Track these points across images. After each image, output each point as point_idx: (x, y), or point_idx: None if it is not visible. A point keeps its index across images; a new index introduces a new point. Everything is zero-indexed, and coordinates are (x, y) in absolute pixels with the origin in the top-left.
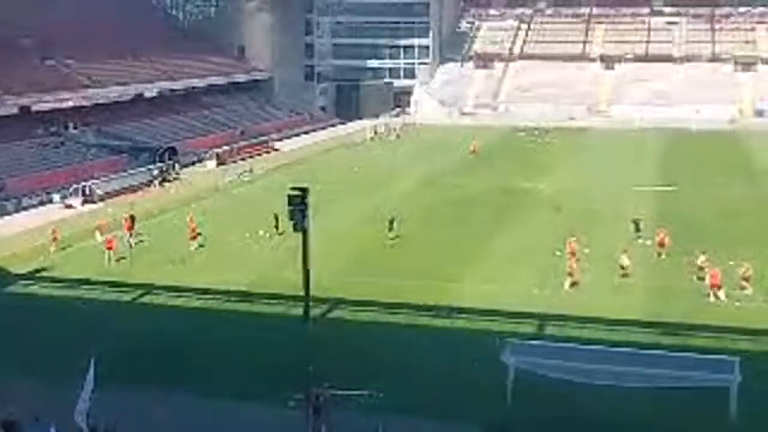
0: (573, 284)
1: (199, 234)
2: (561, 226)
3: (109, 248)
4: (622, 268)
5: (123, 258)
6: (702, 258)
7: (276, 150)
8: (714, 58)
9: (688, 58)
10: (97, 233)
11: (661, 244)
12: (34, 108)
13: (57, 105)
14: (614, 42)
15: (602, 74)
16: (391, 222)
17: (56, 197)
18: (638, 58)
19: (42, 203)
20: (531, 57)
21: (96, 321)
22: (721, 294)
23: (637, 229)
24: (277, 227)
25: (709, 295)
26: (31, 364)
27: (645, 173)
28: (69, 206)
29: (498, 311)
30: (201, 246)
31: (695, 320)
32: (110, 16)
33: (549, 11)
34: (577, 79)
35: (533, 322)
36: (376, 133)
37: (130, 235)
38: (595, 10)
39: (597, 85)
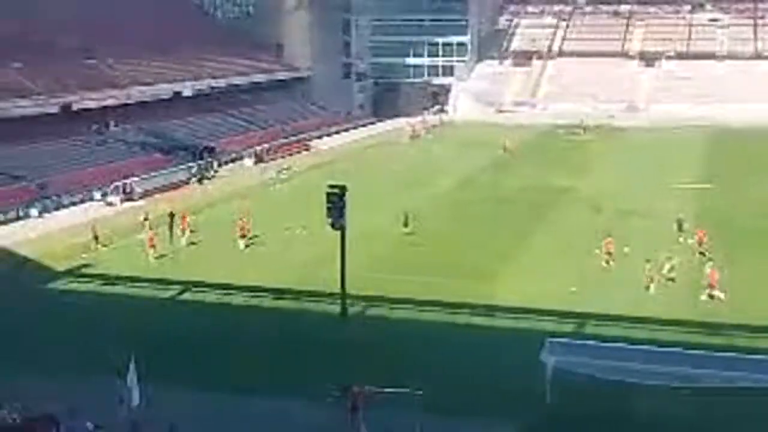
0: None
1: (249, 236)
2: (600, 226)
3: (151, 246)
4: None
5: (164, 255)
6: (708, 268)
7: (314, 148)
8: (757, 55)
9: (730, 55)
10: (144, 227)
11: (700, 243)
12: (76, 106)
13: (98, 103)
14: (655, 39)
15: (642, 72)
16: (406, 218)
17: (96, 195)
18: (679, 56)
19: (83, 201)
20: (570, 54)
21: (135, 318)
22: (716, 293)
23: (680, 229)
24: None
25: (705, 294)
26: (69, 359)
27: (685, 172)
28: (109, 204)
29: (535, 310)
30: (248, 246)
31: (737, 320)
32: (150, 15)
33: (588, 8)
34: (617, 76)
35: (572, 321)
36: (413, 131)
37: (171, 233)
38: (635, 7)
39: (637, 82)
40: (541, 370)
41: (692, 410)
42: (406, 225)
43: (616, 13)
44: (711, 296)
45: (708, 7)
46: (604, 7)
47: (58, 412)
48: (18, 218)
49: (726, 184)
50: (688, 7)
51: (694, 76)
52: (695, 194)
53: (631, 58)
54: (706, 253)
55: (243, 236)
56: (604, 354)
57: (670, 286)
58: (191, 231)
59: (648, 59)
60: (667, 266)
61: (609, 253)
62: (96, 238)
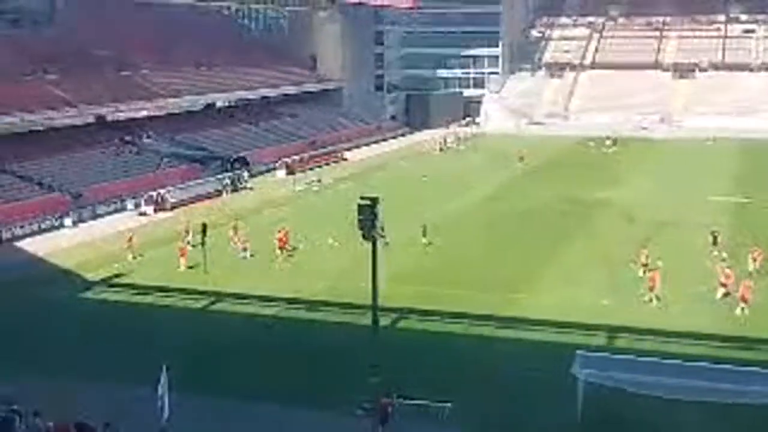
0: (656, 298)
1: (289, 249)
2: (633, 237)
3: (182, 255)
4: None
5: (196, 266)
6: (723, 270)
7: (345, 159)
8: None
9: (765, 67)
10: (187, 237)
11: (755, 261)
12: (110, 117)
13: (132, 114)
14: (688, 50)
15: (676, 83)
16: (425, 229)
17: (129, 205)
18: (713, 67)
19: (116, 211)
20: (603, 66)
21: (167, 327)
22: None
23: (715, 242)
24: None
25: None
26: (102, 369)
27: (720, 184)
28: (143, 214)
29: (567, 322)
30: (284, 257)
31: None
32: (183, 27)
33: (621, 19)
34: (650, 88)
35: (604, 334)
36: (445, 143)
37: (203, 243)
38: (668, 18)
39: (670, 94)
40: (572, 383)
41: (730, 427)
42: (424, 235)
43: (649, 25)
44: (743, 309)
45: (742, 18)
46: (638, 19)
47: (89, 421)
48: (52, 228)
49: (761, 196)
50: (723, 18)
51: (728, 88)
52: (730, 207)
53: (665, 69)
54: (761, 271)
55: (282, 248)
56: (636, 368)
57: (705, 298)
58: (243, 242)
59: (682, 71)
60: (725, 271)
61: (644, 265)
62: (131, 247)
